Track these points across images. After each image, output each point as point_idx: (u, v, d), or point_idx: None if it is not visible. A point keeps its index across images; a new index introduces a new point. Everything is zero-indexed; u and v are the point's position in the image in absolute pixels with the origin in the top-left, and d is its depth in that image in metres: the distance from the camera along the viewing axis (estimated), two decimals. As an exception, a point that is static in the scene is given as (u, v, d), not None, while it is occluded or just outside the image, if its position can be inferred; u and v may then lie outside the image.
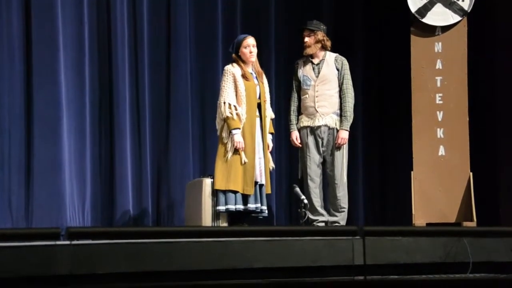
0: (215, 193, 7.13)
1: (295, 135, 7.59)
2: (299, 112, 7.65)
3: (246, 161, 7.09)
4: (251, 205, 7.15)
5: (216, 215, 7.13)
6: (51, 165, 7.61)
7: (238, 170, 7.08)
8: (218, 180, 7.08)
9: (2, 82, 7.52)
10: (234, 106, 7.12)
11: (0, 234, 4.56)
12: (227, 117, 7.10)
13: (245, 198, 7.15)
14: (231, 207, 7.09)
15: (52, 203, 7.58)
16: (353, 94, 7.56)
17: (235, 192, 7.09)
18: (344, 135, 7.46)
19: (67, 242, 4.78)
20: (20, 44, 7.60)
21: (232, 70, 7.20)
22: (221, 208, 7.08)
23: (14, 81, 7.56)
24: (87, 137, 7.83)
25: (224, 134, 7.13)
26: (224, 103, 7.13)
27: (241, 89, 7.15)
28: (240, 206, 7.12)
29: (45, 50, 7.65)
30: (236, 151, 7.08)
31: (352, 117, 7.53)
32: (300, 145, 7.59)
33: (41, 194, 7.56)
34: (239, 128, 7.10)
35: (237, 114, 7.12)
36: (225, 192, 7.09)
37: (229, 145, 7.10)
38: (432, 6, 7.93)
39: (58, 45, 7.68)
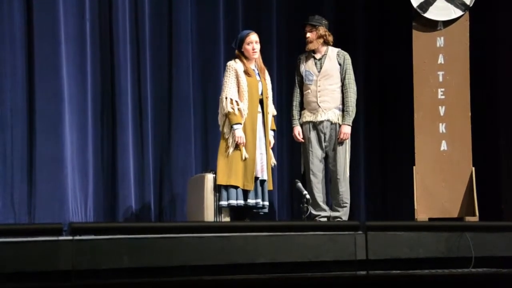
0: (217, 188, 7.14)
1: (297, 130, 7.59)
2: (302, 107, 7.64)
3: (246, 157, 7.10)
4: (251, 201, 7.16)
5: (219, 210, 7.13)
6: (53, 160, 7.61)
7: (238, 166, 7.09)
8: (219, 175, 7.09)
9: (4, 78, 7.52)
10: (236, 101, 7.12)
11: (2, 229, 4.57)
12: (229, 112, 7.11)
13: (246, 194, 7.16)
14: (233, 202, 7.10)
15: (55, 198, 7.58)
16: (355, 89, 7.55)
17: (236, 187, 7.10)
18: (346, 130, 7.46)
19: (70, 238, 4.78)
20: (21, 39, 7.60)
21: (235, 66, 7.20)
22: (224, 203, 7.09)
23: (16, 76, 7.56)
24: (89, 132, 7.83)
25: (225, 130, 7.14)
26: (226, 98, 7.14)
27: (243, 85, 7.15)
28: (241, 202, 7.13)
29: (46, 45, 7.64)
30: (237, 146, 7.09)
31: (354, 112, 7.52)
32: (303, 140, 7.58)
33: (43, 190, 7.56)
34: (240, 124, 7.10)
35: (238, 109, 7.12)
36: (227, 187, 7.09)
37: (230, 141, 7.10)
38: (434, 1, 7.93)
39: (59, 40, 7.68)
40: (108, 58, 7.97)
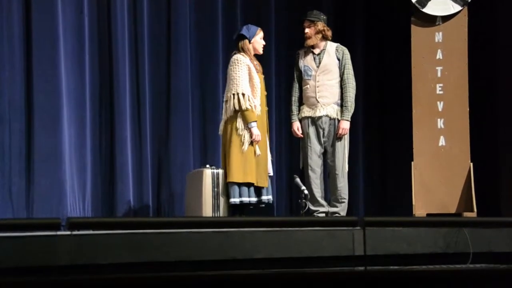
0: (227, 185, 7.04)
1: (296, 126, 7.58)
2: (300, 103, 7.63)
3: (259, 154, 7.06)
4: (265, 197, 7.14)
5: (217, 206, 7.10)
6: (52, 155, 7.60)
7: (252, 163, 7.02)
8: (234, 172, 6.98)
9: (2, 72, 7.51)
10: (251, 98, 7.04)
11: (0, 224, 4.57)
12: (247, 109, 7.01)
13: (258, 190, 7.12)
14: (246, 199, 7.03)
15: (53, 193, 7.58)
16: (354, 84, 7.54)
17: (249, 184, 7.05)
18: (345, 125, 7.45)
19: (68, 233, 4.78)
20: (20, 33, 7.59)
21: (246, 60, 7.09)
22: (236, 200, 7.01)
23: (14, 71, 7.55)
24: (88, 127, 7.82)
25: (239, 126, 7.03)
26: (243, 94, 7.01)
27: (256, 81, 7.06)
28: (254, 199, 7.08)
29: (45, 39, 7.63)
30: (251, 143, 7.02)
31: (353, 107, 7.51)
32: (302, 136, 7.58)
33: (41, 184, 7.56)
34: (256, 121, 7.05)
35: (254, 106, 7.05)
36: (240, 184, 7.03)
37: (246, 137, 7.03)
38: (433, -4, 7.93)
39: (58, 35, 7.67)
40: (106, 53, 7.96)
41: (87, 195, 7.76)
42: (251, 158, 7.03)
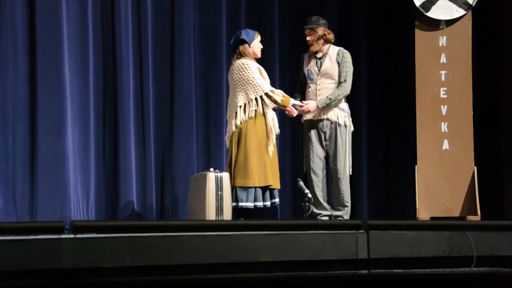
0: (236, 189, 7.03)
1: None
2: (303, 99, 7.59)
3: (271, 156, 7.07)
4: (276, 200, 7.16)
5: (220, 209, 7.08)
6: (55, 158, 7.61)
7: (268, 165, 7.04)
8: (255, 177, 6.98)
9: (6, 75, 7.53)
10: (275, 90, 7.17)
11: (4, 227, 4.57)
12: (282, 100, 7.13)
13: (271, 192, 7.12)
14: (259, 204, 7.01)
15: (56, 196, 7.58)
16: (348, 87, 7.44)
17: (264, 188, 7.04)
18: (311, 105, 7.38)
19: (72, 236, 4.79)
20: (24, 36, 7.59)
21: (254, 64, 7.13)
22: (249, 204, 7.00)
23: (18, 74, 7.56)
24: (91, 130, 7.83)
25: (269, 126, 7.10)
26: (272, 91, 7.12)
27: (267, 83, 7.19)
28: (268, 202, 7.07)
29: (49, 43, 7.64)
30: (264, 146, 7.03)
31: (332, 104, 7.39)
32: (295, 111, 7.45)
33: (45, 187, 7.56)
34: (290, 98, 7.23)
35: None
36: (255, 188, 7.01)
37: (271, 140, 7.06)
38: (437, 0, 7.92)
39: (62, 38, 7.67)
40: (110, 56, 7.96)
41: (91, 198, 7.76)
42: (265, 161, 7.04)
